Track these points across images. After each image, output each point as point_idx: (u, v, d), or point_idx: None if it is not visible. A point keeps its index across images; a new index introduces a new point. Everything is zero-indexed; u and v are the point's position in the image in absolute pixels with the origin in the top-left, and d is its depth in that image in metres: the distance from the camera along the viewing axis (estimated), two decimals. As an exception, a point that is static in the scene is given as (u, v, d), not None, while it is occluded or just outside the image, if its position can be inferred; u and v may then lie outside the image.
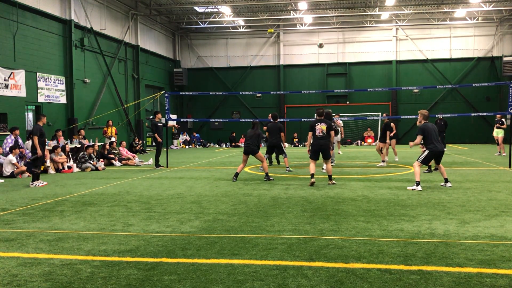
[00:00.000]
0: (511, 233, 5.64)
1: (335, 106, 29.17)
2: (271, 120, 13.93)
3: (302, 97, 30.40)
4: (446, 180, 9.85)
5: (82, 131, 18.10)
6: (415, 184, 9.44)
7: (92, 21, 21.04)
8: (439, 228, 5.96)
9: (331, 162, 15.33)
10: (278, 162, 15.87)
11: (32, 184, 10.88)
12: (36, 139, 10.96)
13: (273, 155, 15.81)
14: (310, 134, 10.54)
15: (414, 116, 24.42)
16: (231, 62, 31.83)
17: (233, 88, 31.24)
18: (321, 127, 10.36)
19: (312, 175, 10.19)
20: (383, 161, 14.83)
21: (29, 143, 14.55)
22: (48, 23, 18.09)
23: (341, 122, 17.67)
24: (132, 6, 24.93)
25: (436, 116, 17.30)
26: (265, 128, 14.63)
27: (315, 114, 10.91)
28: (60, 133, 15.99)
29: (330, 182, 10.34)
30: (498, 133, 18.92)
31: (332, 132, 10.48)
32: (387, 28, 30.10)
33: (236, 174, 11.37)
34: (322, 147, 10.36)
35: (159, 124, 15.04)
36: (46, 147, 14.68)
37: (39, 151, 11.00)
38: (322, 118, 10.61)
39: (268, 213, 7.06)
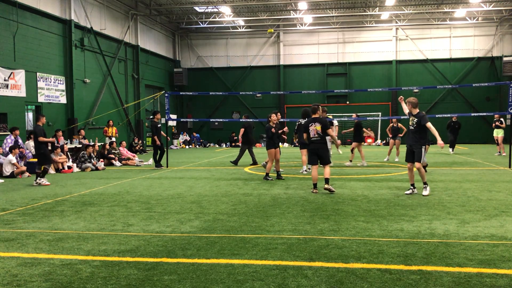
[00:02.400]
0: (511, 233, 5.64)
1: (335, 106, 29.20)
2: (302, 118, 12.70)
3: (302, 97, 30.39)
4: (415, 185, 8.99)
5: (82, 131, 18.11)
6: (426, 186, 8.65)
7: (92, 21, 21.04)
8: (439, 228, 5.96)
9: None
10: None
11: (39, 180, 10.94)
12: (42, 139, 11.07)
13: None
14: (305, 135, 9.30)
15: (414, 116, 23.97)
16: (231, 62, 31.83)
17: (233, 88, 31.24)
18: (315, 128, 9.05)
19: (315, 186, 9.07)
20: (361, 162, 14.82)
21: (29, 143, 14.56)
22: (48, 23, 18.09)
23: (336, 121, 17.56)
24: (132, 6, 24.93)
25: (451, 116, 17.63)
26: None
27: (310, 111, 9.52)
28: (60, 133, 16.00)
29: (325, 186, 8.95)
30: (498, 133, 18.94)
31: (330, 131, 9.17)
32: (387, 28, 30.10)
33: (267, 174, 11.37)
34: (319, 151, 9.03)
35: (158, 126, 15.00)
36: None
37: (51, 139, 11.54)
38: (317, 116, 9.22)
39: (268, 213, 7.06)
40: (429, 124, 8.51)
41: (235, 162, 15.62)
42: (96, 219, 6.85)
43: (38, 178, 10.99)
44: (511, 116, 24.11)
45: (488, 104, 28.78)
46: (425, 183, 8.69)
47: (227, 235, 5.73)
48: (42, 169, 11.10)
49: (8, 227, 6.39)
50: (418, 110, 8.76)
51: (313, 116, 9.25)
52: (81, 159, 14.99)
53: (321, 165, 9.18)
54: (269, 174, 11.44)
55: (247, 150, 15.67)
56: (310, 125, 9.16)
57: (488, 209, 7.18)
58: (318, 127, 9.03)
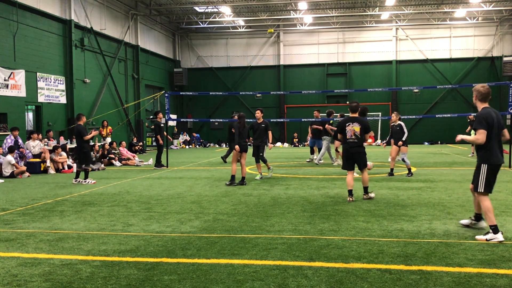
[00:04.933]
0: (511, 233, 5.64)
1: (335, 106, 29.17)
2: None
3: (302, 97, 30.41)
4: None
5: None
6: (492, 232, 5.31)
7: (92, 21, 21.04)
8: (439, 228, 5.96)
9: (318, 161, 15.08)
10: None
11: (84, 182, 11.24)
12: (88, 136, 11.33)
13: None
14: (339, 136, 8.39)
15: (414, 116, 24.28)
16: (231, 62, 31.83)
17: (233, 88, 31.23)
18: (353, 129, 8.08)
19: (350, 192, 8.13)
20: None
21: (29, 143, 14.56)
22: (48, 23, 18.08)
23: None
24: (132, 6, 24.92)
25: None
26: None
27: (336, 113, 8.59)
28: (51, 133, 16.17)
29: (365, 196, 8.26)
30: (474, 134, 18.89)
31: (367, 135, 8.24)
32: (387, 28, 30.10)
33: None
34: (354, 155, 8.14)
35: (161, 125, 15.08)
36: (46, 147, 14.73)
37: (94, 132, 11.91)
38: (356, 116, 8.22)
39: (268, 213, 7.06)
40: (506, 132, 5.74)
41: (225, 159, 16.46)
42: (96, 219, 6.85)
43: (84, 180, 11.29)
44: (511, 116, 24.09)
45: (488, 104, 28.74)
46: (493, 227, 5.35)
47: (227, 235, 5.73)
48: (84, 170, 11.39)
49: (8, 227, 6.39)
50: (486, 105, 5.73)
51: (352, 115, 8.25)
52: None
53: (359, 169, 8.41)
54: (244, 178, 10.53)
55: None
56: (347, 124, 8.15)
57: (488, 209, 7.16)
58: (356, 127, 8.07)
